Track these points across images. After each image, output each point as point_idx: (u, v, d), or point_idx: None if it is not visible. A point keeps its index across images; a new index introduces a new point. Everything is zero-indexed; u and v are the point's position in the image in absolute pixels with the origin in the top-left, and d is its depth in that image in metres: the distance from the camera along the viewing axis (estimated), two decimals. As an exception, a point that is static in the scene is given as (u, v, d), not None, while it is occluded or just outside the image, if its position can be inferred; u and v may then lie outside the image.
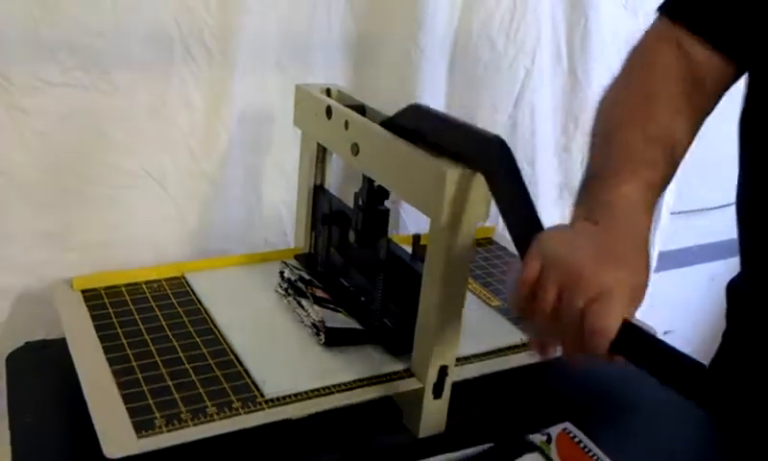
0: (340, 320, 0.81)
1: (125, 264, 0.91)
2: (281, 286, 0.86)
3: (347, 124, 0.80)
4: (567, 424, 0.77)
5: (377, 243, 0.80)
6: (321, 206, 0.91)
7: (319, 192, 0.93)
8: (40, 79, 0.87)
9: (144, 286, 0.87)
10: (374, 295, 0.80)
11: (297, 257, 0.96)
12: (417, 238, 0.78)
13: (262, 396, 0.70)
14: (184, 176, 1.00)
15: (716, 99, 0.73)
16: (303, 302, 0.82)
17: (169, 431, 0.64)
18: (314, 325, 0.79)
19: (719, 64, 0.70)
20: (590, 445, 0.75)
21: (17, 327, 0.90)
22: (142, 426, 0.64)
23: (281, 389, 0.70)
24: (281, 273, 0.87)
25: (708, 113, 0.73)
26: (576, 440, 0.76)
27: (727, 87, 0.73)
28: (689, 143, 0.72)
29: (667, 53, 0.72)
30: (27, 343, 0.84)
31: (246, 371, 0.73)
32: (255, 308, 0.85)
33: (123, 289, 0.86)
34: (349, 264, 0.89)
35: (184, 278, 0.89)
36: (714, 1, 0.71)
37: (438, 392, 0.73)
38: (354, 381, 0.73)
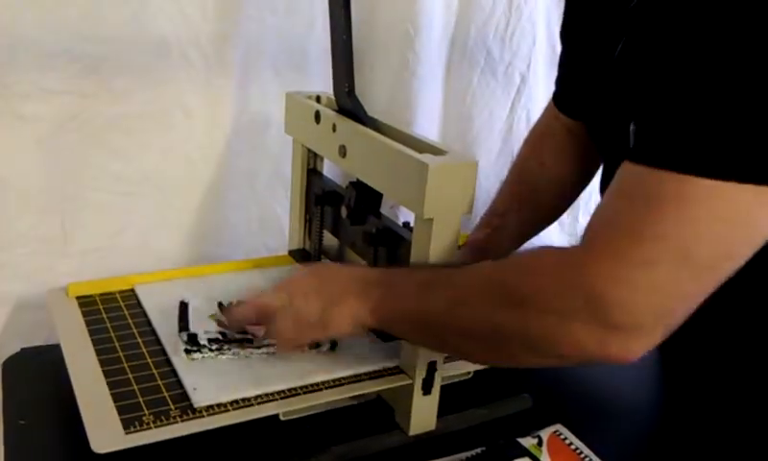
0: None
1: (124, 270, 0.91)
2: None
3: (334, 127, 0.81)
4: (558, 426, 0.77)
5: (368, 218, 0.80)
6: (314, 189, 0.92)
7: (312, 176, 0.93)
8: (39, 86, 0.88)
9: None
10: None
11: (290, 252, 0.97)
12: (406, 224, 0.78)
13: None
14: (183, 182, 1.01)
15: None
16: None
17: (157, 427, 0.64)
18: None
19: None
20: (582, 447, 0.75)
21: (15, 333, 0.91)
22: (130, 423, 0.65)
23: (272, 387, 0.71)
24: None
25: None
26: (567, 442, 0.75)
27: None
28: None
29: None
30: (23, 349, 0.85)
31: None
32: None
33: (117, 295, 0.87)
34: (342, 245, 0.90)
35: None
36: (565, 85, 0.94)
37: (427, 388, 0.73)
38: (344, 378, 0.73)
